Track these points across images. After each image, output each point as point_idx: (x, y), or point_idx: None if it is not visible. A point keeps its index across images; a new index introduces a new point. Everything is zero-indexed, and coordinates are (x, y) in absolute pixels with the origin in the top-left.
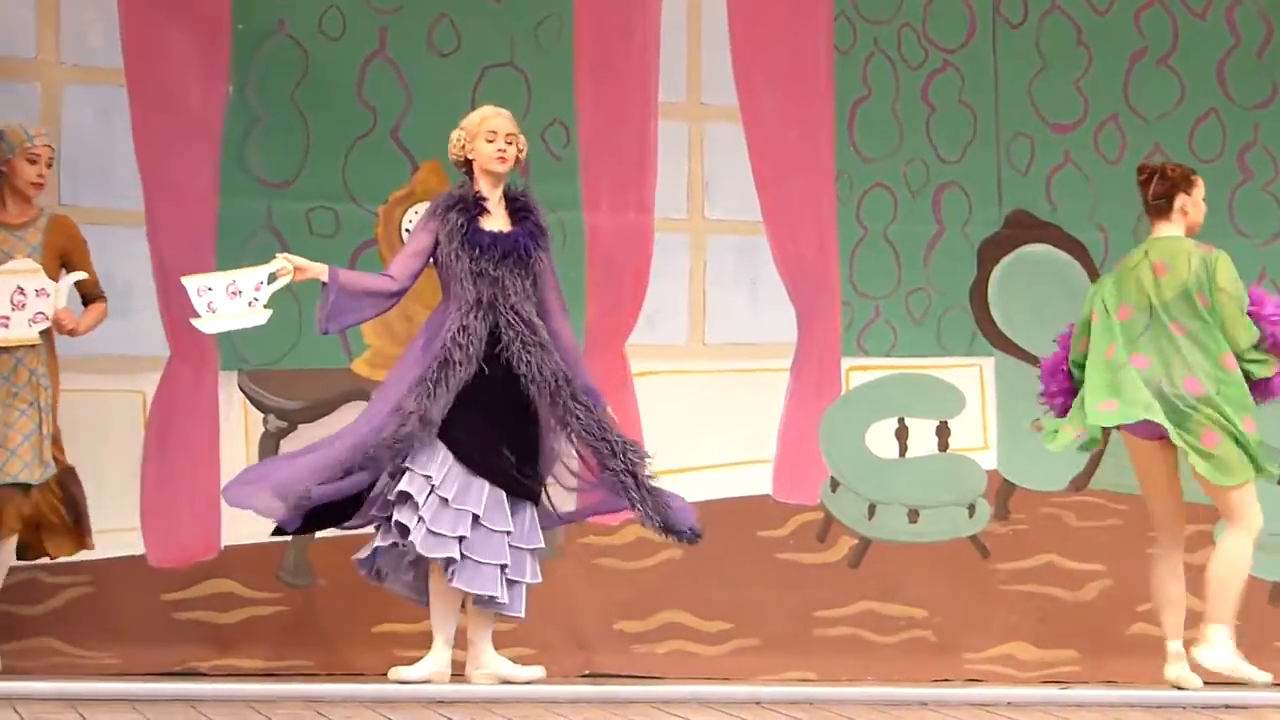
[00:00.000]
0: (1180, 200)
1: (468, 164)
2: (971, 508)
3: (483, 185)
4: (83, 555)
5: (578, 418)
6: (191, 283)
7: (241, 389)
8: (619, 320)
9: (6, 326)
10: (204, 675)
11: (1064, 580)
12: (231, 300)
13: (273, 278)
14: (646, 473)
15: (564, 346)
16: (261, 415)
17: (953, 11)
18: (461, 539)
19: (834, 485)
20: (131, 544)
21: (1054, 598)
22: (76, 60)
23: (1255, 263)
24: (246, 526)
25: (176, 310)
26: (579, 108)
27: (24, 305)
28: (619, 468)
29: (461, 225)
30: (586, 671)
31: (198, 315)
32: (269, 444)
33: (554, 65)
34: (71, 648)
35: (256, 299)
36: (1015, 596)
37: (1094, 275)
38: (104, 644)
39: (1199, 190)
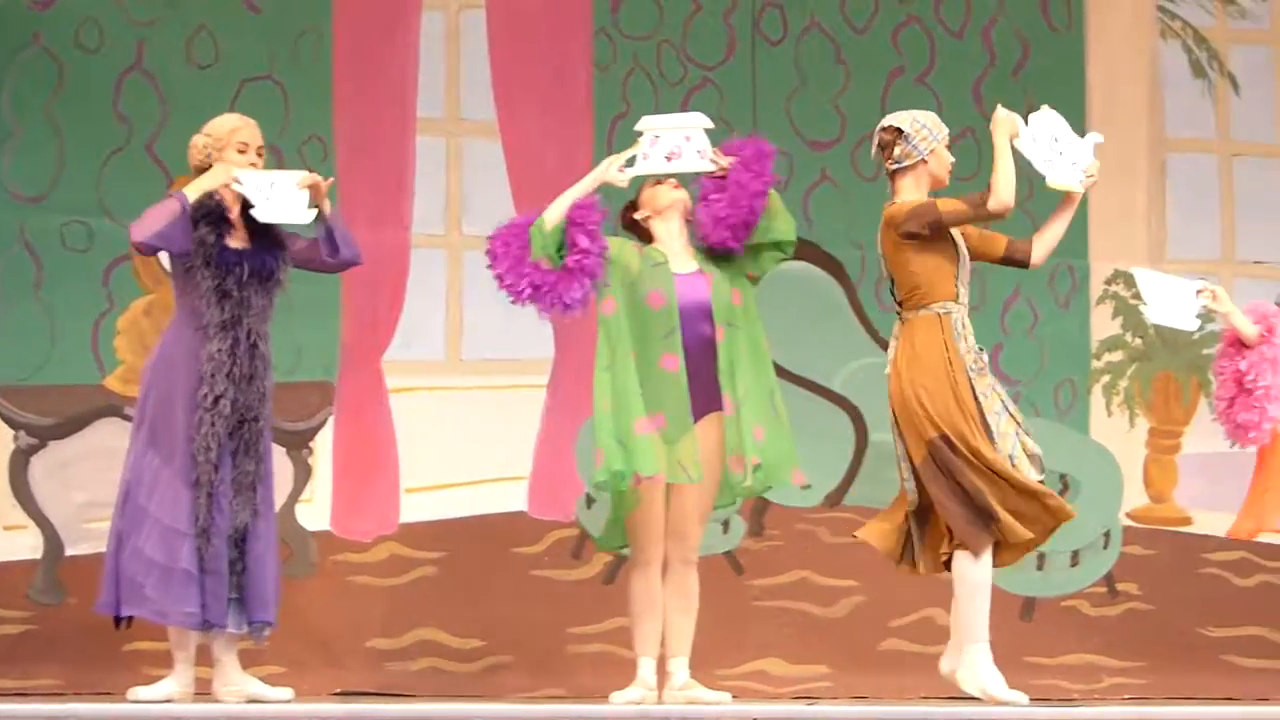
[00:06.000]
0: None
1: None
2: (726, 524)
3: (226, 197)
4: None
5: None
6: (247, 177)
7: None
8: (376, 336)
9: None
10: None
11: (817, 596)
12: (278, 193)
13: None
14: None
15: None
16: (12, 432)
17: (712, 28)
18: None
19: (589, 501)
20: None
21: (807, 614)
22: None
23: (1009, 283)
24: None
25: None
26: (337, 122)
27: None
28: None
29: (210, 241)
30: (338, 690)
31: (253, 206)
32: (19, 460)
33: (313, 79)
34: None
35: (300, 199)
36: (769, 612)
37: (850, 293)
38: None
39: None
